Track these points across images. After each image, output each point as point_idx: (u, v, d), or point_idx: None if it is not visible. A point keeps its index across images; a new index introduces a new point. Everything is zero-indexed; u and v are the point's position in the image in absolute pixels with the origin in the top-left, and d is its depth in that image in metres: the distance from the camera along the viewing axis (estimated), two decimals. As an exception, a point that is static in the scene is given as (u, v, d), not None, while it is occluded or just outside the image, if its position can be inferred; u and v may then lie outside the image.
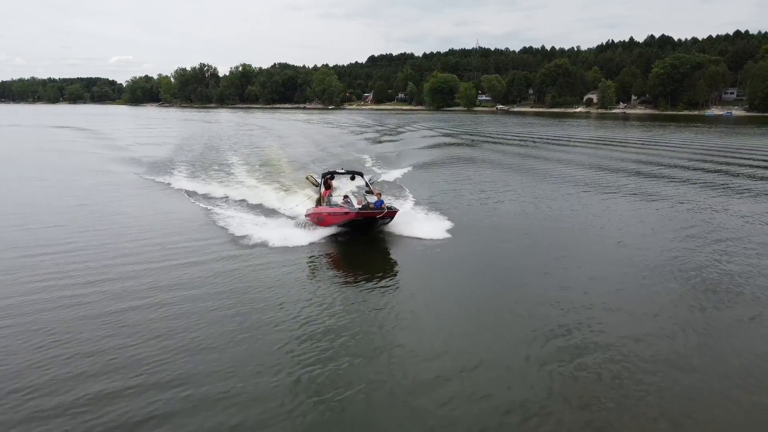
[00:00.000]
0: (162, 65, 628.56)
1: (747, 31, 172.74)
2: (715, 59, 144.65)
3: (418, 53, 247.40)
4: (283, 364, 9.01)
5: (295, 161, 36.75)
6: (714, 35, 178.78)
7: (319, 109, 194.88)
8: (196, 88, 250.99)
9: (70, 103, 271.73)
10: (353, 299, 12.15)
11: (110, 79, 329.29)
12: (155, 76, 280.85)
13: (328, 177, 21.33)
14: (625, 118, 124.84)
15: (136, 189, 26.19)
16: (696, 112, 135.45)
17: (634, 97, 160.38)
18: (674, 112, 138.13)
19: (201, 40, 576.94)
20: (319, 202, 19.97)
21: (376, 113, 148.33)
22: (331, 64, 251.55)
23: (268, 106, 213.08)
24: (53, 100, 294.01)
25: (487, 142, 56.59)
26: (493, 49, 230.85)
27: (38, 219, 19.50)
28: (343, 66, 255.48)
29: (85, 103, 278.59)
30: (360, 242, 17.60)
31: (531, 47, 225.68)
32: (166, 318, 10.81)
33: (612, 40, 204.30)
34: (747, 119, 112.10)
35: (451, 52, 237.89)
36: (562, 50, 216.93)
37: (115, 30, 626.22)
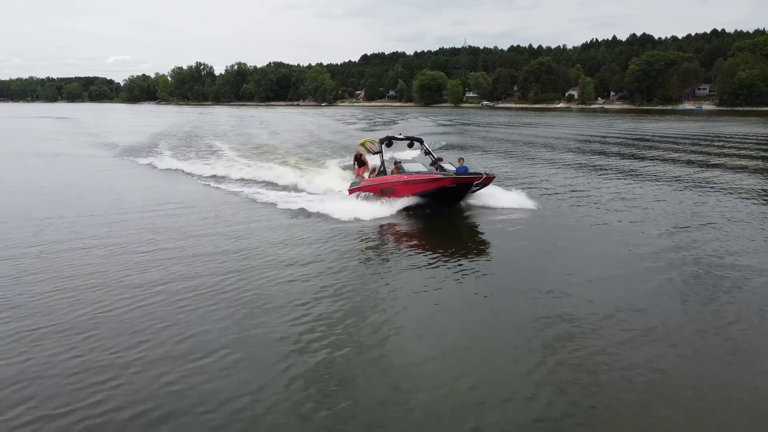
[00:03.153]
0: (159, 64, 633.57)
1: (723, 30, 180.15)
2: (689, 56, 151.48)
3: (420, 51, 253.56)
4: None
5: (301, 147, 37.74)
6: (693, 34, 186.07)
7: (312, 106, 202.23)
8: (192, 87, 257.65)
9: (68, 102, 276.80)
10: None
11: (108, 78, 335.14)
12: (153, 75, 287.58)
13: (386, 143, 19.69)
14: (604, 112, 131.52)
15: (156, 181, 24.38)
16: (669, 107, 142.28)
17: (612, 93, 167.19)
18: (649, 107, 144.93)
19: (198, 39, 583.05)
20: (383, 172, 18.28)
21: (368, 109, 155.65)
22: (326, 63, 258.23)
23: (262, 104, 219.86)
24: (52, 99, 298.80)
25: (476, 128, 64.01)
26: (482, 47, 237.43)
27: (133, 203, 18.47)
28: (336, 65, 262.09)
29: (83, 102, 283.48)
30: (435, 215, 16.67)
31: (518, 46, 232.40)
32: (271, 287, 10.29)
33: (596, 39, 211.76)
34: (716, 113, 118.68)
35: (442, 50, 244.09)
36: (548, 48, 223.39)
37: (113, 30, 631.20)
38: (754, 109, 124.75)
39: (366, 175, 19.99)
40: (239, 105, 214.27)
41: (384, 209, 16.49)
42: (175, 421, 6.25)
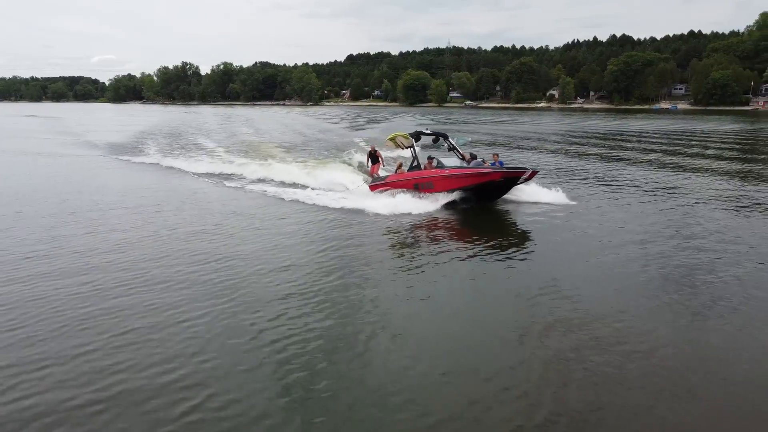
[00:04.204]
0: (145, 64, 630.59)
1: (700, 31, 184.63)
2: (665, 57, 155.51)
3: (405, 51, 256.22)
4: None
5: (292, 145, 38.47)
6: (671, 35, 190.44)
7: (298, 105, 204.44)
8: (178, 86, 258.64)
9: (53, 102, 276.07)
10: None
11: (93, 78, 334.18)
12: (138, 75, 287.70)
13: (415, 138, 19.46)
14: (583, 111, 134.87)
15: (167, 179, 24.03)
16: (646, 106, 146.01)
17: (592, 93, 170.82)
18: (627, 107, 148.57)
19: (184, 39, 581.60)
20: (417, 166, 18.18)
21: (354, 108, 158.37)
22: (312, 63, 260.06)
23: (248, 103, 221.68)
24: (36, 98, 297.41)
25: (463, 126, 66.23)
26: (466, 48, 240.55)
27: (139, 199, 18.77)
28: (322, 65, 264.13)
29: (68, 101, 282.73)
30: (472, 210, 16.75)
31: (502, 46, 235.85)
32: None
33: (577, 40, 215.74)
34: (691, 112, 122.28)
35: (426, 51, 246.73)
36: (531, 49, 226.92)
37: (98, 29, 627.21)
38: (727, 108, 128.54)
39: (381, 172, 20.35)
40: (225, 104, 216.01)
41: (428, 204, 16.37)
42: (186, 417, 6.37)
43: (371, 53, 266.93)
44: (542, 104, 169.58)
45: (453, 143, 19.72)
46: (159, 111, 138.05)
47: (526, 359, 7.58)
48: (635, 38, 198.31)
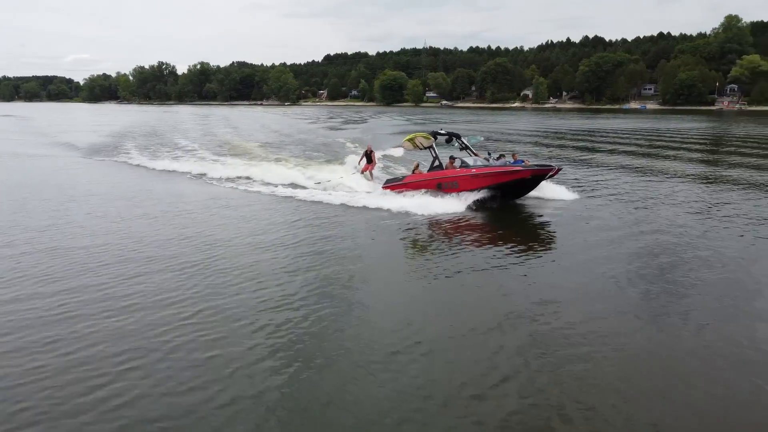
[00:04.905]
0: (121, 63, 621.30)
1: (669, 33, 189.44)
2: (635, 58, 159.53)
3: (383, 51, 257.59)
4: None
5: (275, 146, 38.82)
6: (641, 36, 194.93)
7: (275, 105, 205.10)
8: (155, 86, 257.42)
9: (26, 102, 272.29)
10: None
11: (67, 77, 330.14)
12: (114, 75, 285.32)
13: (438, 139, 19.73)
14: (556, 111, 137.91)
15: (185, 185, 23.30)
16: (617, 106, 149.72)
17: (565, 93, 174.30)
18: (598, 106, 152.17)
19: (161, 38, 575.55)
20: (439, 166, 18.56)
21: (332, 108, 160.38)
22: (290, 63, 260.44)
23: (226, 103, 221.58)
24: (8, 98, 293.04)
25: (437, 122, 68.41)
26: (443, 48, 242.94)
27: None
28: (300, 65, 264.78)
29: (41, 101, 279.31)
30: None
31: (477, 47, 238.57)
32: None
33: (551, 41, 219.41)
34: (660, 111, 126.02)
35: (403, 51, 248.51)
36: (506, 50, 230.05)
37: (72, 28, 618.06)
38: (694, 108, 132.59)
39: (373, 171, 21.13)
40: (203, 104, 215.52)
41: (457, 203, 16.80)
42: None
43: (349, 53, 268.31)
44: (516, 104, 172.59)
45: (465, 143, 19.99)
46: (135, 111, 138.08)
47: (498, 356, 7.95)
48: (607, 39, 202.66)
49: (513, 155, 18.88)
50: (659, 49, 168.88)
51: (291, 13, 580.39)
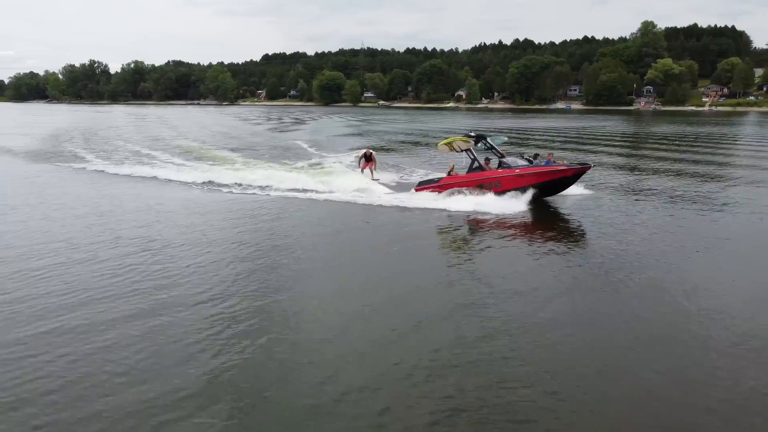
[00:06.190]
0: (49, 61, 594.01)
1: (593, 37, 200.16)
2: (561, 61, 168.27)
3: (321, 52, 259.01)
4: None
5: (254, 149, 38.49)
6: (568, 39, 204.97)
7: (213, 105, 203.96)
8: (86, 85, 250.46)
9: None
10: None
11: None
12: (42, 73, 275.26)
13: (476, 141, 20.23)
14: (488, 111, 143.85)
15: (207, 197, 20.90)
16: (544, 106, 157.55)
17: (496, 94, 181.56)
18: (527, 107, 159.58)
19: (92, 35, 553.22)
20: (478, 167, 19.36)
21: (272, 108, 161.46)
22: (228, 62, 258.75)
23: (161, 103, 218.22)
24: None
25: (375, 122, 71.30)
26: (380, 49, 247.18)
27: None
28: (238, 64, 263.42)
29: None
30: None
31: (414, 48, 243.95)
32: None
33: (484, 43, 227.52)
34: (583, 111, 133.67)
35: (342, 51, 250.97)
36: (442, 51, 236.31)
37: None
38: (614, 108, 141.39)
39: (369, 170, 22.84)
40: (137, 104, 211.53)
41: (512, 202, 17.53)
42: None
43: (287, 53, 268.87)
44: (451, 104, 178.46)
45: (491, 143, 20.62)
46: (66, 110, 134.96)
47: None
48: (536, 42, 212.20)
49: (549, 155, 19.61)
50: (584, 52, 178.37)
51: (227, 10, 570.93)
